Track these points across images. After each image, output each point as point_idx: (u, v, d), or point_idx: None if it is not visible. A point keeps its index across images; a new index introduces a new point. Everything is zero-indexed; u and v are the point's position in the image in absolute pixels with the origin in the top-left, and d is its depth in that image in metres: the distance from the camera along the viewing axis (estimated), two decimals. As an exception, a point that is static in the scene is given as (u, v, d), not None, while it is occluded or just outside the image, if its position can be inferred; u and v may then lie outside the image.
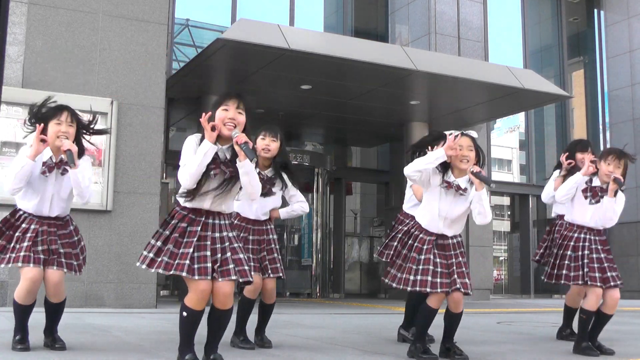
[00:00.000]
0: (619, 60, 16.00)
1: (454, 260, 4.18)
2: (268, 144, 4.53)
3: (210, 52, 9.02)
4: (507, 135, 22.75)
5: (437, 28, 12.92)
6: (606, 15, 16.57)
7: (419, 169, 4.14)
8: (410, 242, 4.26)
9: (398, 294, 12.65)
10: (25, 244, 3.98)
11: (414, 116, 11.99)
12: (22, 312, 4.05)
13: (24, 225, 4.06)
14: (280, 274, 4.60)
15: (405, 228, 4.46)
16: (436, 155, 4.11)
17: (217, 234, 3.46)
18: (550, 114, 16.44)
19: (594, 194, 4.75)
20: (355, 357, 4.29)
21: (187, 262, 3.34)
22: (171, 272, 3.35)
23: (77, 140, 4.13)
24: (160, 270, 3.38)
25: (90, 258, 7.74)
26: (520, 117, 16.51)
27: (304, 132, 14.15)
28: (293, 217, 4.94)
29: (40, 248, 4.02)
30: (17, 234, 4.05)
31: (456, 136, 4.19)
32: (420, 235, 4.22)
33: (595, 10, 16.98)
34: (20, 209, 4.11)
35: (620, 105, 15.88)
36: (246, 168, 3.37)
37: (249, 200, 4.29)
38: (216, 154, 3.42)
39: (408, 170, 4.16)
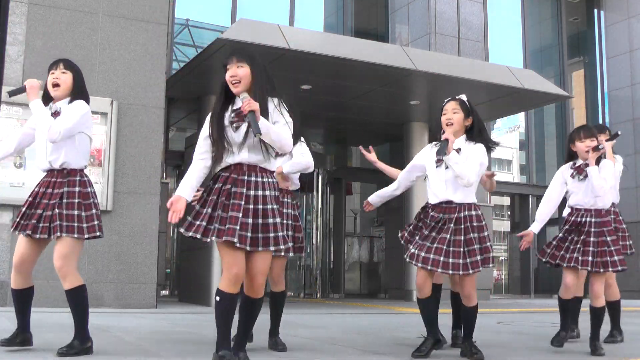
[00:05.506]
0: (619, 60, 15.99)
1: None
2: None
3: (210, 52, 9.01)
4: (507, 135, 22.76)
5: (437, 28, 12.93)
6: (606, 15, 16.57)
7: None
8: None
9: (398, 294, 12.64)
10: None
11: (413, 116, 11.98)
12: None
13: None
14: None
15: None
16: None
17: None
18: (550, 114, 16.44)
19: (579, 171, 4.71)
20: (355, 357, 4.29)
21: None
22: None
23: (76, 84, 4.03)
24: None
25: (91, 258, 7.76)
26: (520, 117, 16.51)
27: (304, 132, 14.10)
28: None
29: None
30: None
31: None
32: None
33: (595, 10, 16.98)
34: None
35: (620, 105, 15.88)
36: (262, 129, 3.18)
37: None
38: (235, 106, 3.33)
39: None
